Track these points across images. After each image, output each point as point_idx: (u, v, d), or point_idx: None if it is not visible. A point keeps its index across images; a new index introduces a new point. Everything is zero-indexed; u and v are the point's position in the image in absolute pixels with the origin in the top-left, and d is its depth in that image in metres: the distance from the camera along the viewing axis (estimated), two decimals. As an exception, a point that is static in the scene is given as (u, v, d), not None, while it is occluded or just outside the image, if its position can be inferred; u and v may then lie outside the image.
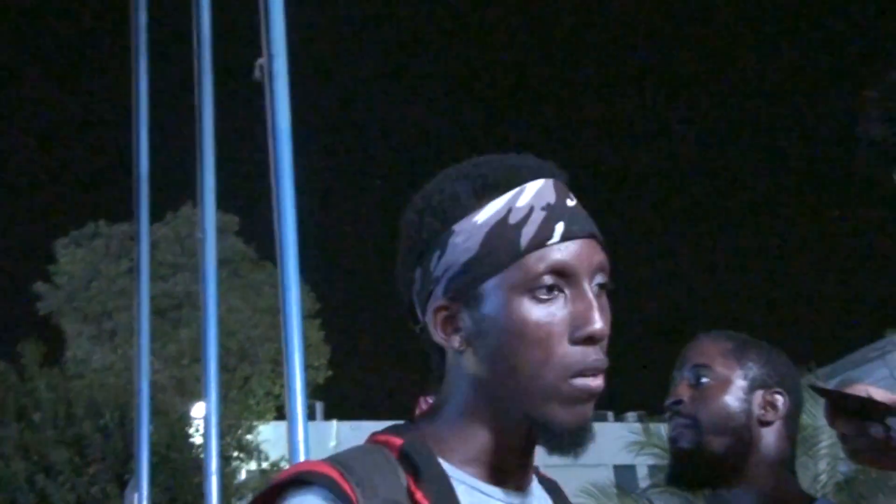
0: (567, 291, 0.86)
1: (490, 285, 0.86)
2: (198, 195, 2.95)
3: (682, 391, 1.39)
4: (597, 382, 0.86)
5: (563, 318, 0.85)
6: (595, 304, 0.86)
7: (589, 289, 0.86)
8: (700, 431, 1.35)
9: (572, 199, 0.90)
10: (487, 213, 0.87)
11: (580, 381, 0.85)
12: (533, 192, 0.88)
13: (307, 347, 1.87)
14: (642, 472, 17.83)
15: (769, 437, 1.37)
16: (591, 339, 0.85)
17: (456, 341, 0.88)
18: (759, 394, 1.38)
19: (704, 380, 1.38)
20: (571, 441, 0.85)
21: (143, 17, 3.44)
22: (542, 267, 0.85)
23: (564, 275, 0.86)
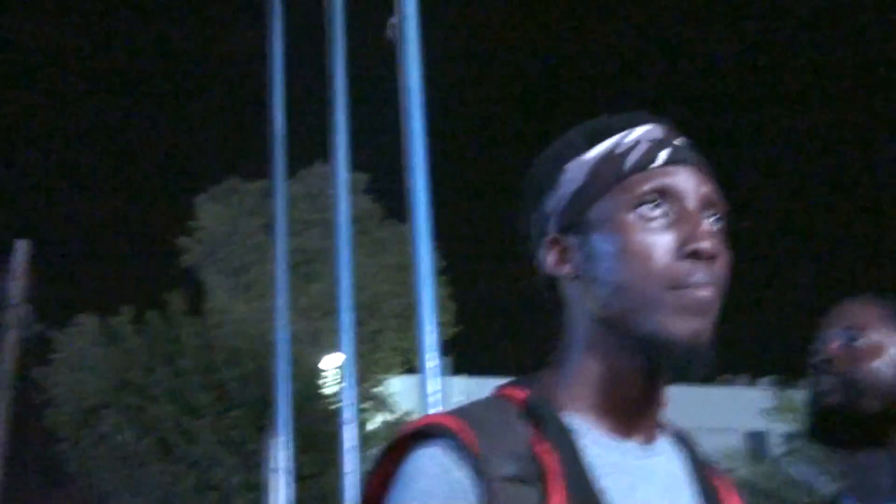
0: (673, 214, 0.85)
1: (596, 210, 0.87)
2: (330, 153, 3.02)
3: (833, 350, 1.36)
4: (704, 292, 0.82)
5: (669, 238, 0.84)
6: (703, 224, 0.84)
7: (697, 213, 0.85)
8: (852, 391, 1.33)
9: (682, 141, 0.90)
10: (597, 150, 0.90)
11: (685, 290, 0.82)
12: (642, 131, 0.90)
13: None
14: (774, 440, 17.26)
15: None
16: (696, 255, 0.82)
17: (566, 269, 0.89)
18: None
19: (858, 342, 1.35)
20: (686, 356, 0.82)
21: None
22: (645, 187, 0.85)
23: (669, 196, 0.85)
